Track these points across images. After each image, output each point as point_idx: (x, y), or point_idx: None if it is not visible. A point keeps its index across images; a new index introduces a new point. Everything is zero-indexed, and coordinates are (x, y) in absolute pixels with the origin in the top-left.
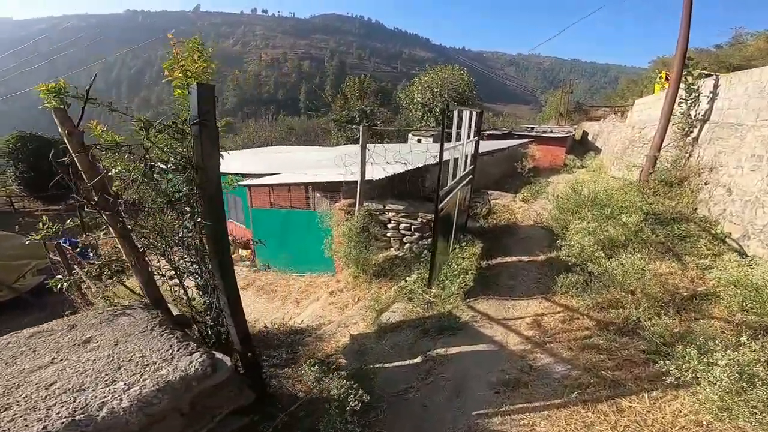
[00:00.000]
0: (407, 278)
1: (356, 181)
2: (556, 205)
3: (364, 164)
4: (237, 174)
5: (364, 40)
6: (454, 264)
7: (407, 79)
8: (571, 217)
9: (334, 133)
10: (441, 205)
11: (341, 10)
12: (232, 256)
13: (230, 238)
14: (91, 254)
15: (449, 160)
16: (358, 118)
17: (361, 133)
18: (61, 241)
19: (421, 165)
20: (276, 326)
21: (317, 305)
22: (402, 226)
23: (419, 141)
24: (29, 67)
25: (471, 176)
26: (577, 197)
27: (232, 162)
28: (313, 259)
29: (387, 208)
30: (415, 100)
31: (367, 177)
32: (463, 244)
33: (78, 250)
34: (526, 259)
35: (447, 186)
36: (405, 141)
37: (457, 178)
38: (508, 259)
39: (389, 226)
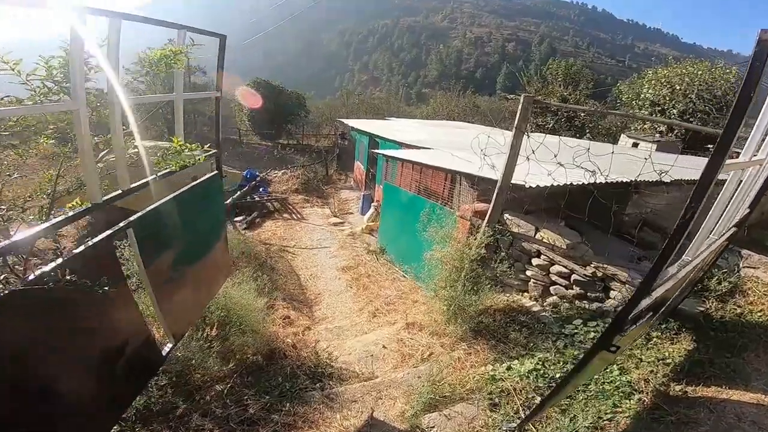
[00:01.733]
0: (515, 363)
1: (495, 181)
2: None
3: (514, 158)
4: (394, 141)
5: (584, 28)
6: (614, 370)
7: (638, 75)
8: None
9: None
10: (646, 302)
11: None
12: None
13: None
14: (261, 189)
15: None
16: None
17: (520, 107)
18: (245, 173)
19: (626, 179)
20: (304, 352)
21: (384, 334)
22: (555, 269)
23: (635, 145)
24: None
25: (736, 229)
26: None
27: (396, 131)
28: (420, 263)
29: (539, 235)
30: (642, 96)
31: (517, 180)
32: (655, 334)
33: (253, 183)
34: None
35: (691, 255)
36: (613, 142)
37: (715, 230)
38: (733, 393)
39: (534, 262)
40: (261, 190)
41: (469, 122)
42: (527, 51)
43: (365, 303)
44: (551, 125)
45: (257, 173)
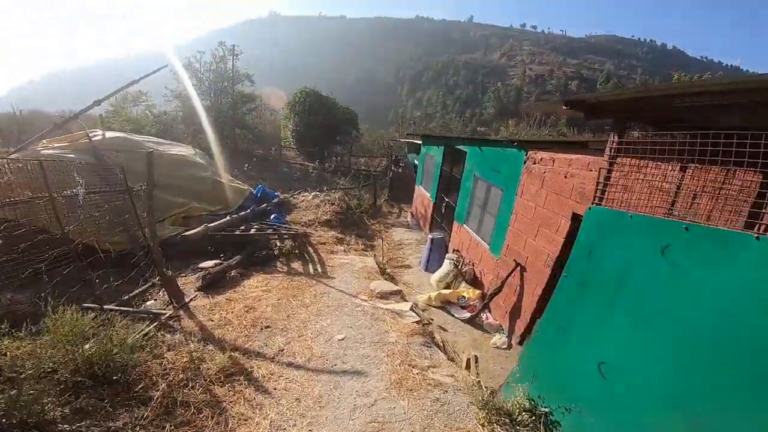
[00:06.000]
0: None
1: None
2: None
3: None
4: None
5: (654, 66)
6: None
7: None
8: None
9: None
10: None
11: (623, 32)
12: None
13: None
14: (272, 217)
15: None
16: None
17: None
18: (255, 190)
19: None
20: None
21: None
22: None
23: None
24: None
25: None
26: None
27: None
28: None
29: None
30: None
31: None
32: None
33: (263, 205)
34: None
35: None
36: None
37: None
38: None
39: None
40: (272, 217)
41: None
42: (592, 89)
43: None
44: None
45: (276, 193)
